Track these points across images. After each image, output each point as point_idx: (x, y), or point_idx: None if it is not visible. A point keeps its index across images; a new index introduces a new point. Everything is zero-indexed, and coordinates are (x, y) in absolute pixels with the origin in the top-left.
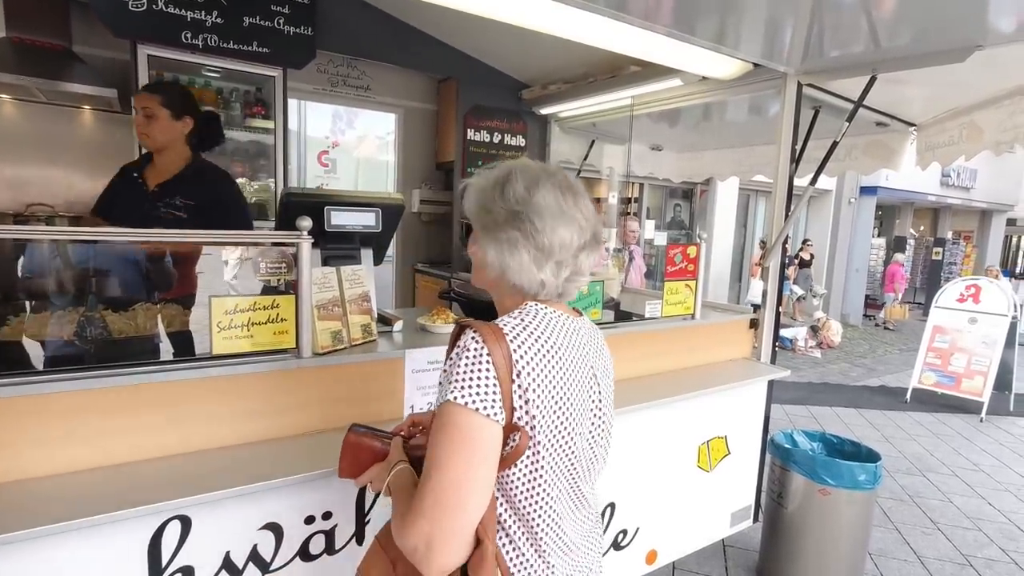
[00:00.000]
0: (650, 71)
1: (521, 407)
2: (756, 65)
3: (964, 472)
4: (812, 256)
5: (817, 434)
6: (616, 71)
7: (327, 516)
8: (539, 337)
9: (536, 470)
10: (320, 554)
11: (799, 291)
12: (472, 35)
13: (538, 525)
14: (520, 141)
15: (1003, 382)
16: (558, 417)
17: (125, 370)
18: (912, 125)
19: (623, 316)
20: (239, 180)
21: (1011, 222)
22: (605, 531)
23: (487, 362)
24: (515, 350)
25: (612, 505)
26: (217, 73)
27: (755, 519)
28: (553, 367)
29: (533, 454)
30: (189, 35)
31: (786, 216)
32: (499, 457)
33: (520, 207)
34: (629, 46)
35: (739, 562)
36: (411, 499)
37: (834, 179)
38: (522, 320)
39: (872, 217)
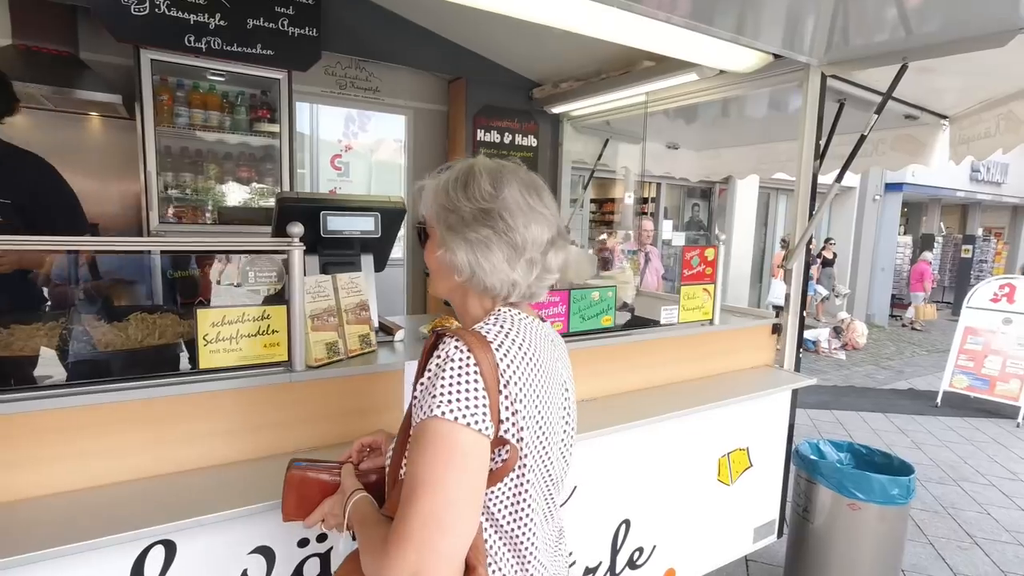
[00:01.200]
0: (665, 66)
1: (508, 419)
2: (777, 56)
3: (1001, 481)
4: (835, 255)
5: (845, 444)
6: (629, 67)
7: (322, 539)
8: (521, 345)
9: (521, 485)
10: None
11: (823, 291)
12: (481, 34)
13: (523, 545)
14: (532, 141)
15: None
16: (541, 429)
17: (103, 387)
18: (944, 117)
19: (638, 322)
20: (252, 184)
21: None
22: (620, 549)
23: (474, 372)
24: (501, 359)
25: (627, 522)
26: (222, 77)
27: (779, 534)
28: (535, 376)
29: (520, 468)
30: (192, 38)
31: (810, 216)
32: (487, 474)
33: (489, 204)
34: (644, 40)
35: None
36: (381, 527)
37: (858, 176)
38: (502, 327)
39: (898, 214)
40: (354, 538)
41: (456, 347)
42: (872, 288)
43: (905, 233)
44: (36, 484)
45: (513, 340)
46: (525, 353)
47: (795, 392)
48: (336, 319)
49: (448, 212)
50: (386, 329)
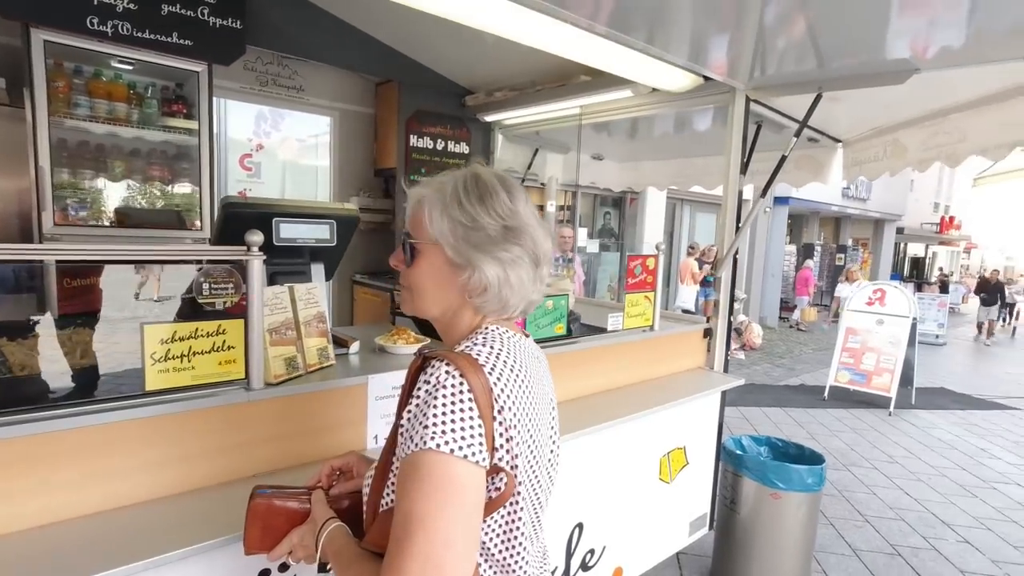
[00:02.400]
0: (600, 81)
1: (503, 446)
2: (707, 79)
3: (882, 464)
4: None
5: (763, 439)
6: (565, 80)
7: (284, 568)
8: (512, 366)
9: (515, 513)
10: None
11: None
12: (413, 36)
13: (516, 573)
14: (464, 148)
15: (906, 378)
16: (532, 453)
17: (28, 415)
18: (839, 141)
19: (582, 329)
20: (157, 185)
21: (900, 231)
22: (574, 551)
23: (468, 399)
24: (495, 383)
25: (580, 525)
26: (129, 65)
27: (711, 526)
28: (527, 398)
29: (514, 496)
30: (96, 20)
31: (737, 227)
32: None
33: (513, 221)
34: (585, 54)
35: (694, 569)
36: (363, 564)
37: (750, 189)
38: (491, 347)
39: (785, 225)
40: (322, 570)
41: (447, 371)
42: (764, 293)
43: (790, 243)
44: None
45: (504, 361)
46: (517, 375)
47: (724, 392)
48: (294, 332)
49: (468, 229)
50: (339, 342)
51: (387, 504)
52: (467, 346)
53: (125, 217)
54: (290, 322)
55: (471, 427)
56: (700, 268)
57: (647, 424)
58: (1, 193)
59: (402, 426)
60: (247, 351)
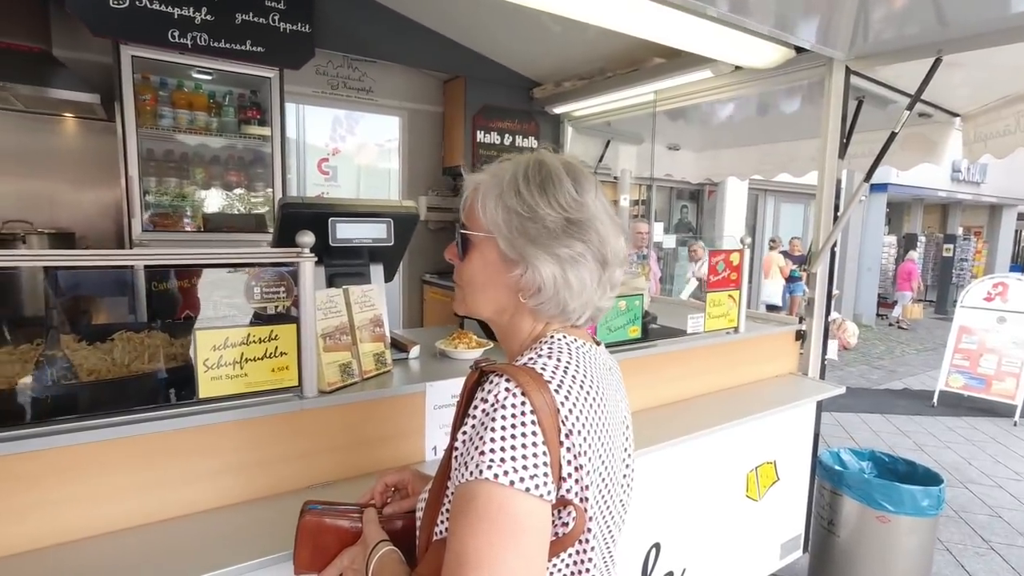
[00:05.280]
0: (676, 63)
1: (571, 475)
2: (799, 50)
3: (1007, 482)
4: None
5: (866, 452)
6: (637, 64)
7: None
8: (583, 382)
9: (584, 552)
10: None
11: None
12: (479, 31)
13: None
14: (532, 142)
15: None
16: (604, 483)
17: (86, 423)
18: (956, 115)
19: (658, 331)
20: (236, 190)
21: (1021, 216)
22: (650, 573)
23: (532, 422)
24: (562, 403)
25: (657, 545)
26: (209, 75)
27: (805, 549)
28: (599, 419)
29: (584, 533)
30: (176, 33)
31: (835, 218)
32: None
33: (578, 213)
34: (660, 32)
35: None
36: None
37: (843, 175)
38: (558, 360)
39: (883, 215)
40: None
41: (507, 389)
42: (859, 288)
43: (889, 233)
44: (3, 543)
45: (573, 376)
46: (588, 392)
47: (820, 401)
48: (349, 337)
49: (525, 220)
50: (399, 345)
51: (440, 533)
52: (530, 358)
53: (208, 221)
54: (345, 326)
55: (534, 455)
56: (785, 262)
57: (732, 436)
58: (100, 202)
59: (456, 449)
60: (299, 357)
